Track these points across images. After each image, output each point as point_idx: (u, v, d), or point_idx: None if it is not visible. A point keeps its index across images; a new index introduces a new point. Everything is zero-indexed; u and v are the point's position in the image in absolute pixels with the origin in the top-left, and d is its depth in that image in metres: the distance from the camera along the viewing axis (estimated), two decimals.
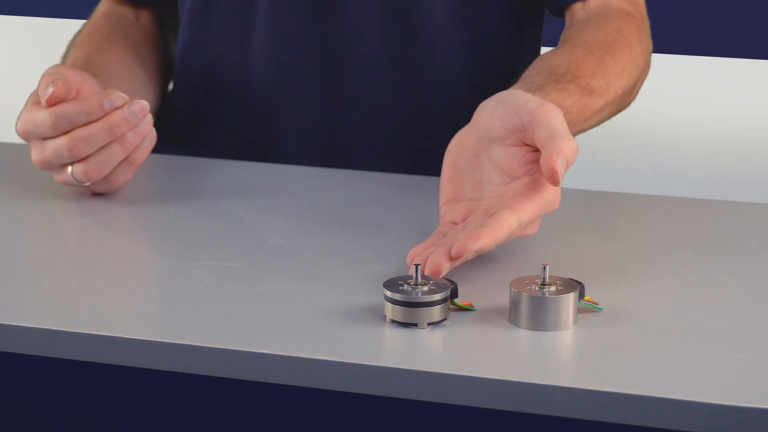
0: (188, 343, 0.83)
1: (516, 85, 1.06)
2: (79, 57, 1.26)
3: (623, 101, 1.20)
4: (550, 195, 0.93)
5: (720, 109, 2.75)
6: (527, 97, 0.95)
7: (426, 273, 0.88)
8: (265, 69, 1.29)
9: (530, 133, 0.93)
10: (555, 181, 0.89)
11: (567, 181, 1.45)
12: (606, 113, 1.17)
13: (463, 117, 1.28)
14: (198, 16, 1.32)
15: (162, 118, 1.36)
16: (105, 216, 1.08)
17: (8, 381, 1.01)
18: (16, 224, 1.08)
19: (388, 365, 0.80)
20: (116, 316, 0.88)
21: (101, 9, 1.38)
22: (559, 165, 0.89)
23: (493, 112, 0.96)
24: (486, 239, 0.89)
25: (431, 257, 0.89)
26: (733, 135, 2.75)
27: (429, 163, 1.28)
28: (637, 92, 1.25)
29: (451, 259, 0.89)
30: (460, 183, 0.98)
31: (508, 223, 0.90)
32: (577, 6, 1.26)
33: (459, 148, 0.98)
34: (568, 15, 1.28)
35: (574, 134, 1.13)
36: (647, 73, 1.25)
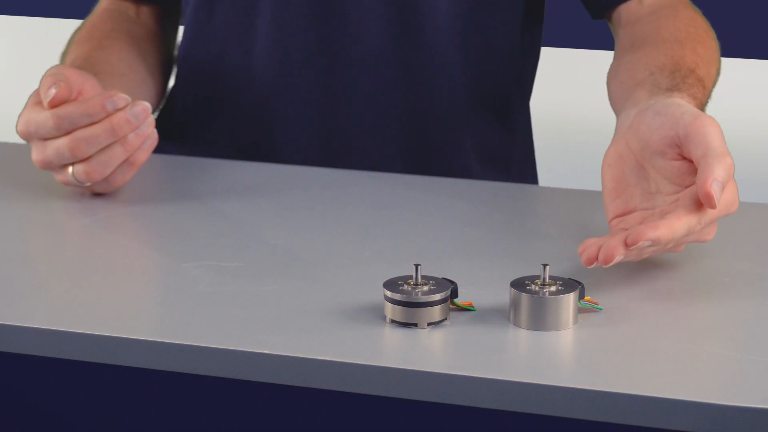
0: (188, 343, 0.83)
1: (646, 89, 1.04)
2: (80, 54, 1.26)
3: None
4: (729, 196, 0.91)
5: (720, 109, 2.75)
6: (684, 109, 0.94)
7: (599, 259, 0.87)
8: (267, 68, 1.29)
9: (686, 148, 0.92)
10: (712, 205, 0.88)
11: (567, 181, 1.45)
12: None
13: (464, 118, 1.28)
14: (201, 15, 1.32)
15: (163, 116, 1.36)
16: (105, 216, 1.08)
17: (8, 381, 1.01)
18: (16, 224, 1.08)
19: (388, 365, 0.80)
20: (116, 316, 0.88)
21: (102, 5, 1.38)
22: (714, 189, 0.88)
23: (651, 125, 0.95)
24: (663, 230, 0.88)
25: (607, 243, 0.88)
26: (733, 135, 2.75)
27: (429, 163, 1.28)
28: None
29: (626, 246, 0.87)
30: (629, 195, 0.96)
31: (687, 219, 0.89)
32: (632, 3, 1.25)
33: (620, 161, 0.97)
34: (615, 15, 1.27)
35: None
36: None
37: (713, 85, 1.16)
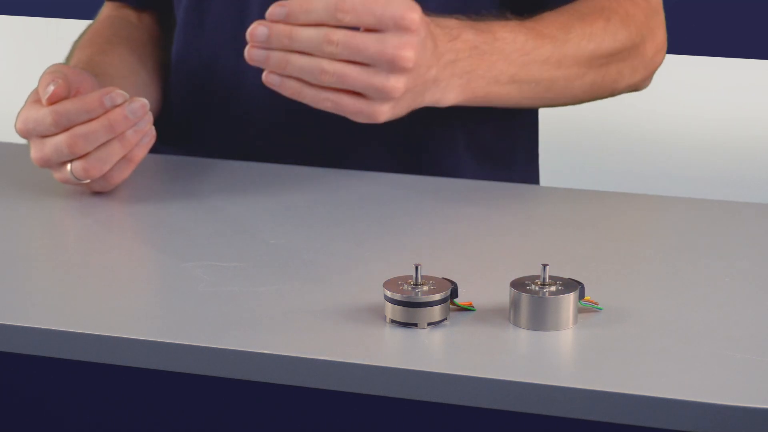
0: (188, 343, 0.83)
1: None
2: (82, 59, 1.26)
3: (600, 72, 1.22)
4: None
5: (720, 109, 2.75)
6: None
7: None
8: (258, 70, 1.29)
9: None
10: None
11: (566, 180, 1.45)
12: (570, 71, 1.19)
13: (453, 114, 1.27)
14: (192, 18, 1.32)
15: (158, 119, 1.36)
16: (105, 216, 1.08)
17: (8, 381, 1.01)
18: (16, 224, 1.08)
19: (388, 365, 0.80)
20: (116, 316, 0.88)
21: (104, 12, 1.39)
22: None
23: None
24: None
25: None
26: (733, 135, 2.75)
27: (420, 161, 1.28)
28: (630, 76, 1.26)
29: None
30: None
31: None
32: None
33: None
34: None
35: (520, 73, 1.16)
36: (643, 57, 1.26)
37: (588, 58, 1.20)
